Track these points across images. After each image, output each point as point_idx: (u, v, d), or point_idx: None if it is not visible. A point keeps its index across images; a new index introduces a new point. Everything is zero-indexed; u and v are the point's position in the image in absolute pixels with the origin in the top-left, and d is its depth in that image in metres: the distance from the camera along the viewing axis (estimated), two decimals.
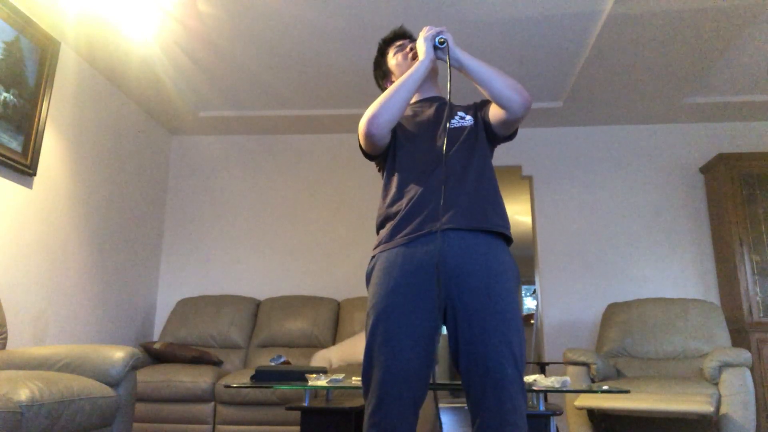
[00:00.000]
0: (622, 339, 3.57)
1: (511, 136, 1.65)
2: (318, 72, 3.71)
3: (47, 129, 3.20)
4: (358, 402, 2.46)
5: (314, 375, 2.39)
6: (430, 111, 1.66)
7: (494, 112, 1.58)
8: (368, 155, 1.64)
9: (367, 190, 4.53)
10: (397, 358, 1.38)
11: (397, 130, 1.63)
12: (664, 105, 4.13)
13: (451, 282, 1.43)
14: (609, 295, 4.21)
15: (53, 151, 3.27)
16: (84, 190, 3.54)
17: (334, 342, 3.94)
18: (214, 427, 3.36)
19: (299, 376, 2.42)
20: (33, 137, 3.05)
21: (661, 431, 3.25)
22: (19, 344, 2.95)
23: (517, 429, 1.33)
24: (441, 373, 6.70)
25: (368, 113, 1.51)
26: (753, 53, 3.47)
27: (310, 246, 4.47)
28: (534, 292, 9.58)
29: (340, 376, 2.39)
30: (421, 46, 1.59)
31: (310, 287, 4.39)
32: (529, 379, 2.27)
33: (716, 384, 3.01)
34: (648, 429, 3.27)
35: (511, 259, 1.50)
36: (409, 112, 1.70)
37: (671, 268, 4.21)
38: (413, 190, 1.51)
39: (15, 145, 2.93)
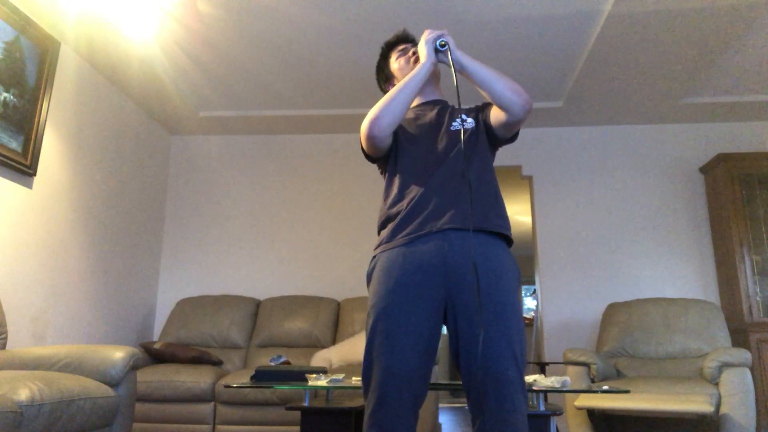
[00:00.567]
0: (622, 339, 3.57)
1: (512, 139, 1.66)
2: (318, 72, 3.71)
3: (47, 129, 3.20)
4: (358, 402, 2.46)
5: (314, 375, 2.39)
6: (431, 114, 1.68)
7: (495, 115, 1.59)
8: (370, 157, 1.66)
9: (367, 190, 4.53)
10: (398, 358, 1.38)
11: (399, 133, 1.64)
12: (664, 105, 4.13)
13: (451, 282, 1.43)
14: (609, 295, 4.21)
15: (53, 151, 3.27)
16: (84, 190, 3.54)
17: (334, 342, 3.94)
18: (214, 427, 3.36)
19: (299, 376, 2.42)
20: (33, 137, 3.05)
21: (661, 431, 3.25)
22: (19, 344, 2.95)
23: (518, 429, 1.34)
24: (441, 373, 6.70)
25: (370, 115, 1.53)
26: (753, 53, 3.47)
27: (310, 246, 4.47)
28: (534, 292, 9.58)
29: (340, 376, 2.39)
30: (422, 49, 1.60)
31: (310, 287, 4.39)
32: (529, 379, 2.27)
33: (716, 384, 3.01)
34: (648, 429, 3.27)
35: (511, 260, 1.51)
36: (410, 114, 1.72)
37: (671, 268, 4.21)
38: (414, 191, 1.53)
39: (15, 145, 2.93)
